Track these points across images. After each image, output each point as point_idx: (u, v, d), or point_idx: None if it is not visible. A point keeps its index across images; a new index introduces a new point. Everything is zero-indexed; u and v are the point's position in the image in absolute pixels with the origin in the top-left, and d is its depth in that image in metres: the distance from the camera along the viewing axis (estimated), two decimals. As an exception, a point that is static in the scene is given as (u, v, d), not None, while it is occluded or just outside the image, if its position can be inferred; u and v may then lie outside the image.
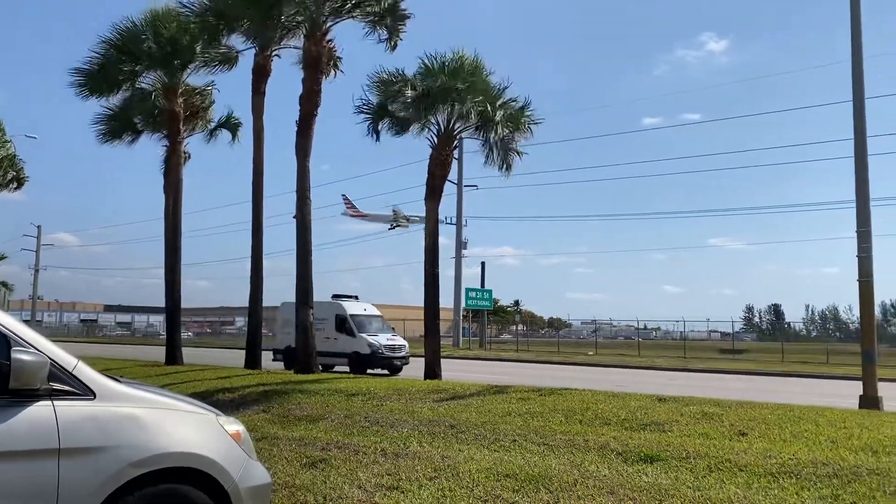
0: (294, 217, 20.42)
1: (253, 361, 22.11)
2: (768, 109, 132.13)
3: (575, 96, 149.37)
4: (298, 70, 20.76)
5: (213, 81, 25.51)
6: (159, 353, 28.00)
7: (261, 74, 22.74)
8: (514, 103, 19.13)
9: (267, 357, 24.06)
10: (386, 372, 24.16)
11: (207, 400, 13.17)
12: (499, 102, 18.73)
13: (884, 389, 14.74)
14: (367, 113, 19.86)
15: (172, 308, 24.82)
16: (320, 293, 22.74)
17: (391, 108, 19.05)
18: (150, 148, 28.41)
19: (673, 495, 6.12)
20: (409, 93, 18.25)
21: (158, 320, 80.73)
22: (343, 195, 77.00)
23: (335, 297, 26.73)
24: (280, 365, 24.95)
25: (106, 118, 25.39)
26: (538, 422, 10.25)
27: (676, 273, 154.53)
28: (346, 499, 6.30)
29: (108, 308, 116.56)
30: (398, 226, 76.73)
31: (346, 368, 24.43)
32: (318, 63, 20.13)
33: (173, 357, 24.08)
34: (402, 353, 25.18)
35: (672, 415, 10.56)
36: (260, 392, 14.27)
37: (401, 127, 19.74)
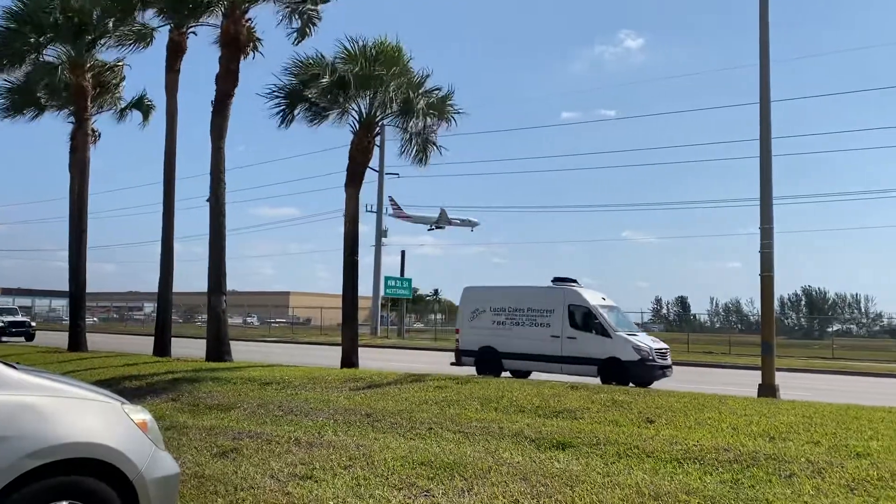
0: (208, 200, 19.85)
1: (162, 348, 21.42)
2: (682, 108, 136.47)
3: (495, 88, 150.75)
4: (216, 49, 20.16)
5: (123, 57, 24.47)
6: (62, 339, 26.77)
7: (176, 52, 21.94)
8: (436, 92, 19.10)
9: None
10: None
11: (113, 388, 12.67)
12: (421, 91, 18.67)
13: (781, 378, 15.54)
14: (280, 98, 18.89)
15: (77, 292, 23.78)
16: (235, 281, 22.07)
17: (308, 93, 18.40)
18: (58, 125, 27.01)
19: (583, 481, 6.27)
20: (327, 78, 17.82)
21: (62, 304, 77.11)
22: (390, 197, 79.84)
23: (558, 280, 19.37)
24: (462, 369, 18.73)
25: (7, 92, 24.02)
26: (454, 409, 10.32)
27: (591, 265, 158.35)
28: (258, 489, 6.18)
29: (6, 291, 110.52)
30: (438, 227, 79.15)
31: (589, 378, 16.49)
32: (236, 42, 19.56)
33: (77, 343, 23.09)
34: (670, 361, 18.42)
35: (584, 402, 10.83)
36: (169, 380, 13.84)
37: (318, 114, 19.02)
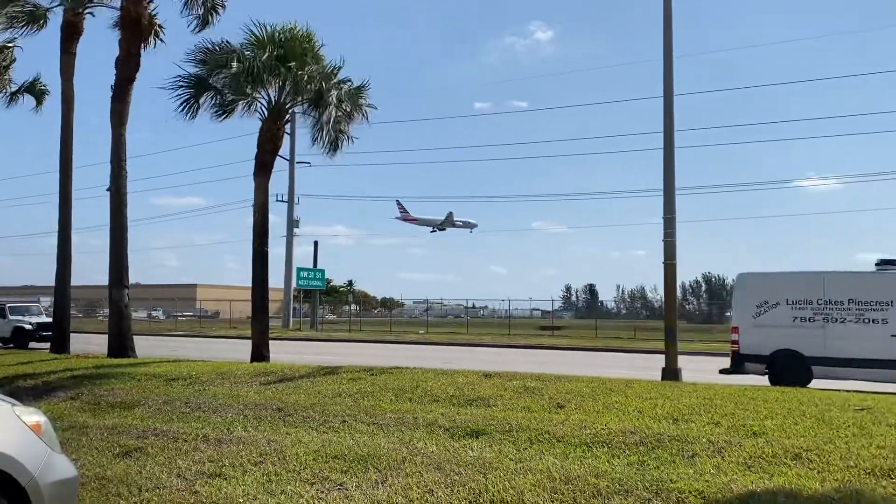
0: (108, 189, 18.98)
1: (60, 344, 20.40)
2: (590, 100, 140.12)
3: (409, 78, 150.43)
4: (116, 33, 19.25)
5: (13, 39, 22.99)
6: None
7: (71, 33, 20.83)
8: (349, 83, 18.84)
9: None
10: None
11: (5, 389, 11.97)
12: (333, 81, 18.37)
13: (683, 362, 16.20)
14: (185, 87, 18.11)
15: (-37, 287, 22.29)
16: (139, 274, 21.22)
17: (214, 82, 17.73)
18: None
19: (496, 468, 6.34)
20: (235, 65, 17.24)
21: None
22: (397, 200, 79.93)
23: (886, 263, 15.65)
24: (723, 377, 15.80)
25: None
26: (368, 401, 10.26)
27: (503, 254, 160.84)
28: (164, 489, 5.96)
29: None
30: (440, 229, 79.61)
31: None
32: (136, 25, 18.74)
33: (-37, 341, 21.69)
34: None
35: (497, 390, 10.96)
36: (68, 378, 13.18)
37: (226, 104, 18.27)
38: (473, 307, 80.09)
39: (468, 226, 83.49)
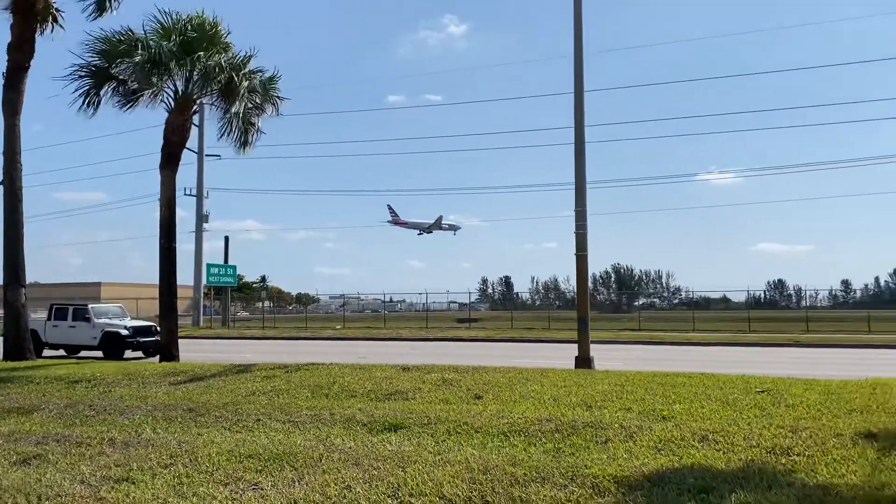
0: (1, 183, 17.89)
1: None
2: (500, 94, 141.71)
3: (322, 70, 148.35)
4: (8, 17, 18.10)
5: None
6: None
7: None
8: (260, 73, 18.38)
9: None
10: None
11: None
12: (244, 71, 17.88)
13: (595, 350, 16.63)
14: (85, 77, 17.25)
15: None
16: (37, 273, 20.14)
17: (117, 72, 16.89)
18: None
19: (415, 461, 6.33)
20: (139, 54, 16.51)
21: None
22: (388, 205, 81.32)
23: None
24: None
25: None
26: (284, 399, 10.06)
27: (420, 248, 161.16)
28: (67, 496, 5.66)
29: None
30: (427, 232, 79.11)
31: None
32: (30, 8, 17.70)
33: None
34: None
35: (415, 383, 10.96)
36: (-43, 385, 12.36)
37: (129, 95, 17.46)
38: (391, 301, 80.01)
39: (452, 228, 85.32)
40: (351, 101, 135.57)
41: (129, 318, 23.98)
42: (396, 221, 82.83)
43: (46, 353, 22.55)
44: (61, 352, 22.99)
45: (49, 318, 23.26)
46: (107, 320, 22.80)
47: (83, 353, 22.68)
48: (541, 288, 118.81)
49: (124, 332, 22.19)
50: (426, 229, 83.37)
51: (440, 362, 14.31)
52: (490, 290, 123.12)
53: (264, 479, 5.97)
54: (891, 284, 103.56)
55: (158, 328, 22.24)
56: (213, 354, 21.05)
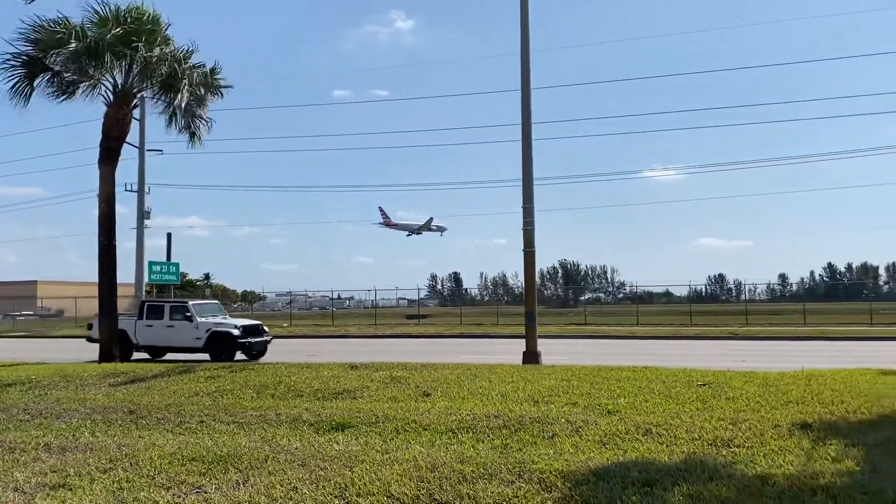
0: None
1: None
2: (447, 90, 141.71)
3: (267, 64, 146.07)
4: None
5: None
6: None
7: None
8: (203, 66, 18.00)
9: None
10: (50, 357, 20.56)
11: None
12: (186, 64, 17.47)
13: (542, 345, 16.81)
14: (17, 67, 16.47)
15: None
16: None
17: (51, 62, 16.27)
18: None
19: (363, 460, 6.29)
20: (74, 44, 15.94)
21: None
22: (380, 207, 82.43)
23: None
24: None
25: None
26: (228, 399, 9.89)
27: (368, 244, 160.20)
28: (-2, 506, 5.45)
29: None
30: (416, 233, 78.98)
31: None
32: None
33: None
34: None
35: (363, 381, 10.90)
36: None
37: (64, 86, 16.84)
38: (339, 298, 79.50)
39: (440, 229, 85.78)
40: (296, 95, 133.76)
41: (228, 317, 21.98)
42: (387, 223, 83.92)
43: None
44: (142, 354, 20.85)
45: (141, 317, 20.71)
46: (211, 318, 20.52)
47: (176, 357, 19.74)
48: (490, 284, 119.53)
49: (235, 331, 19.77)
50: (416, 230, 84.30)
51: (389, 360, 14.26)
52: (439, 287, 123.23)
53: (208, 482, 5.85)
54: (825, 278, 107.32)
55: (266, 327, 21.32)
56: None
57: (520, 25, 17.03)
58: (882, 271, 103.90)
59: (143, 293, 47.11)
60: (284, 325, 45.09)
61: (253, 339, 19.90)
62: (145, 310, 20.90)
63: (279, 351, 22.16)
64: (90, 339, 20.52)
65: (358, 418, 8.11)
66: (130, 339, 20.16)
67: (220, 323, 20.16)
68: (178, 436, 7.75)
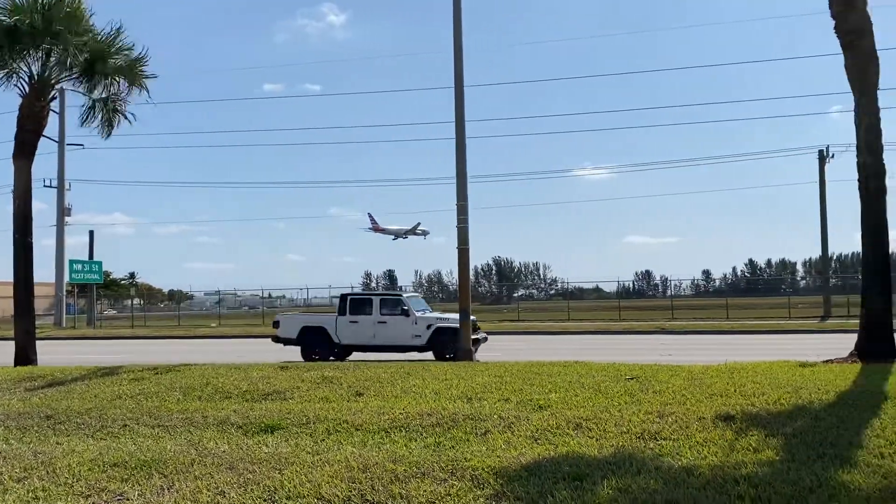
0: None
1: None
2: (385, 86, 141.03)
3: (194, 57, 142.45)
4: None
5: None
6: None
7: None
8: (126, 53, 17.31)
9: None
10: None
11: None
12: (108, 52, 16.79)
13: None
14: None
15: None
16: None
17: None
18: None
19: (293, 462, 6.18)
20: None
21: None
22: (369, 213, 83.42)
23: None
24: None
25: None
26: (153, 402, 9.58)
27: (299, 241, 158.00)
28: None
29: None
30: (403, 237, 79.20)
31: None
32: None
33: None
34: None
35: (294, 382, 10.73)
36: None
37: None
38: (270, 297, 78.24)
39: (424, 233, 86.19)
40: (226, 89, 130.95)
41: (430, 310, 20.04)
42: (376, 229, 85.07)
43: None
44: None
45: (342, 313, 18.62)
46: (429, 313, 18.85)
47: (381, 356, 17.36)
48: (424, 281, 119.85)
49: (455, 324, 17.64)
50: (402, 235, 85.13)
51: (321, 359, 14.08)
52: (374, 284, 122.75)
53: (130, 489, 5.65)
54: (746, 274, 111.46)
55: (478, 323, 18.96)
56: (77, 356, 19.79)
57: (452, 22, 17.05)
58: (799, 267, 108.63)
59: (64, 293, 45.44)
60: (213, 325, 44.08)
61: (475, 336, 18.02)
62: (348, 304, 18.74)
63: (207, 352, 21.65)
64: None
65: (288, 419, 7.98)
66: (331, 337, 18.34)
67: (442, 318, 18.48)
68: (99, 441, 7.47)
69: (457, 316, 18.01)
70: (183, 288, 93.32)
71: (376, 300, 18.81)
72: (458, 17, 17.00)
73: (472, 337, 17.25)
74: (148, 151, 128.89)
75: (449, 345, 17.31)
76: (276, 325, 19.60)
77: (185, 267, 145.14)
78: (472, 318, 17.68)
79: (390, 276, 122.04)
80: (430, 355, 17.71)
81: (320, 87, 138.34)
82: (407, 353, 17.91)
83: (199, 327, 41.46)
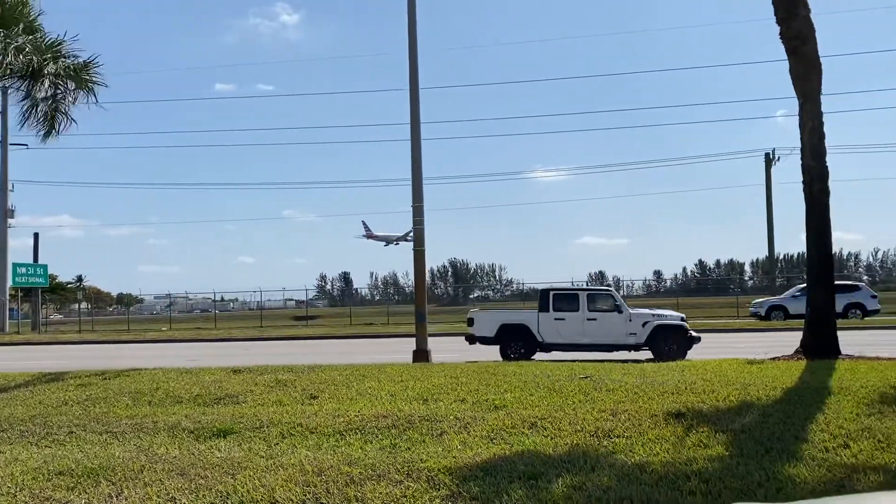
0: None
1: None
2: (338, 87, 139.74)
3: (144, 55, 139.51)
4: None
5: None
6: None
7: None
8: (74, 57, 16.82)
9: None
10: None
11: None
12: (55, 52, 16.29)
13: (433, 343, 16.91)
14: None
15: None
16: None
17: None
18: None
19: (246, 467, 6.09)
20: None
21: None
22: (363, 221, 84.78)
23: None
24: None
25: None
26: (101, 408, 9.35)
27: (251, 244, 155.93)
28: None
29: None
30: (395, 244, 79.88)
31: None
32: None
33: None
34: None
35: (247, 385, 10.58)
36: None
37: None
38: (222, 300, 77.02)
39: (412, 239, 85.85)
40: (176, 89, 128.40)
41: (663, 310, 19.05)
42: (369, 236, 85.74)
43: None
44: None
45: (545, 310, 17.20)
46: (641, 310, 17.64)
47: (589, 355, 16.04)
48: (380, 283, 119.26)
49: (685, 323, 16.82)
50: (394, 241, 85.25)
51: (275, 362, 13.91)
52: (329, 287, 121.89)
53: (77, 497, 5.50)
54: (696, 274, 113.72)
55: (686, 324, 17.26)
56: (21, 362, 19.21)
57: (407, 22, 17.02)
58: (747, 267, 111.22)
59: (7, 297, 44.03)
60: (164, 329, 43.20)
61: (691, 334, 16.71)
62: (551, 300, 17.37)
63: (157, 356, 21.21)
64: None
65: (241, 424, 7.86)
66: (534, 335, 17.00)
67: (659, 314, 17.28)
68: (44, 449, 7.25)
69: (671, 312, 17.73)
70: (132, 291, 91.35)
71: (583, 296, 17.54)
72: (412, 18, 16.97)
73: (692, 334, 16.60)
74: (97, 152, 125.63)
75: (669, 343, 16.34)
76: (470, 322, 18.05)
77: (134, 270, 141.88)
78: (682, 318, 17.27)
79: (346, 279, 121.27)
80: (641, 354, 16.77)
81: (273, 88, 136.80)
82: (617, 353, 16.64)
83: (150, 331, 40.57)
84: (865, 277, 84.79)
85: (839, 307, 25.18)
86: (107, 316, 75.58)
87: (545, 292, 17.91)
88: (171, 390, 10.38)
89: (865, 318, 30.01)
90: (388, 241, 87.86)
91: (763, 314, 32.54)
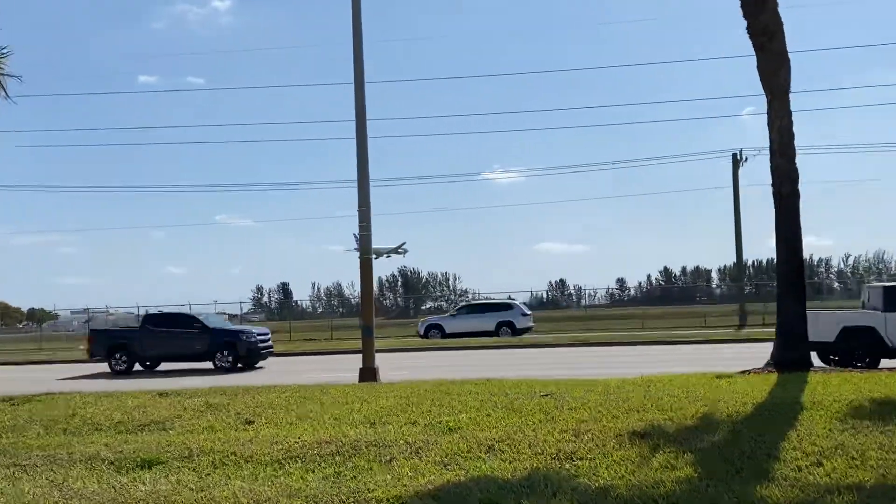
0: None
1: None
2: (272, 81, 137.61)
3: (59, 46, 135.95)
4: None
5: None
6: None
7: None
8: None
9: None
10: None
11: None
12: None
13: (381, 359, 16.83)
14: None
15: None
16: None
17: None
18: None
19: (174, 500, 5.96)
20: None
21: None
22: (354, 234, 78.03)
23: None
24: None
25: None
26: (8, 438, 9.06)
27: (180, 252, 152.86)
28: None
29: None
30: (387, 256, 76.22)
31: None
32: None
33: None
34: None
35: (174, 410, 10.38)
36: None
37: None
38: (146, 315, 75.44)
39: (405, 252, 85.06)
40: (94, 81, 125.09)
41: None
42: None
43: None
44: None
45: (890, 308, 15.43)
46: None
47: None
48: (323, 295, 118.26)
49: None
50: (385, 254, 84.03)
51: (206, 385, 13.67)
52: (266, 299, 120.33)
53: (-21, 542, 5.29)
54: (661, 282, 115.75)
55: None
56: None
57: (351, 11, 16.91)
58: (714, 274, 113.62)
59: None
60: (81, 347, 42.01)
61: None
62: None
63: (74, 378, 20.63)
64: None
65: (168, 453, 7.69)
66: (883, 339, 15.32)
67: None
68: (-59, 487, 6.97)
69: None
70: (46, 306, 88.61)
71: None
72: (357, 6, 16.88)
73: None
74: (4, 152, 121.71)
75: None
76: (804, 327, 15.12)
77: (48, 282, 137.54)
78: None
79: (284, 290, 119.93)
80: None
81: (204, 81, 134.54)
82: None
83: (66, 350, 39.44)
84: (836, 284, 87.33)
85: (491, 326, 33.53)
86: (16, 333, 73.30)
87: (890, 289, 16.01)
88: (88, 417, 10.12)
89: (516, 336, 33.03)
90: (378, 254, 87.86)
91: (422, 333, 35.35)
